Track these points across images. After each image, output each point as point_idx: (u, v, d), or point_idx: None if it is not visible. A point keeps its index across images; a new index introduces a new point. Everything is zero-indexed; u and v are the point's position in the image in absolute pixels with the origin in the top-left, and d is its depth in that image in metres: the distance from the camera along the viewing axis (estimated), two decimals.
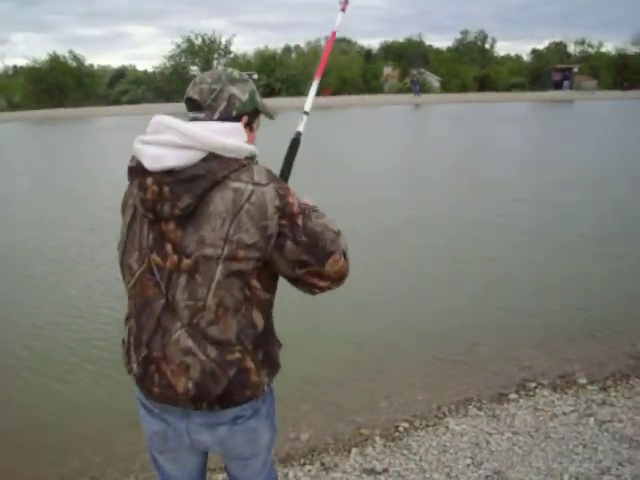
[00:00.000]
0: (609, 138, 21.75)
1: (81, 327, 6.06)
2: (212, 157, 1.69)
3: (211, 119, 1.78)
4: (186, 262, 1.70)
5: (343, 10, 2.50)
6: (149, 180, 1.70)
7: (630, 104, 42.62)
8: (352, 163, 17.28)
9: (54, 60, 65.11)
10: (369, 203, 11.57)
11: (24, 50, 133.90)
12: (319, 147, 18.76)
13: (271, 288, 1.84)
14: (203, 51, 64.96)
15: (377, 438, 3.95)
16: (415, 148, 21.44)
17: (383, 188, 13.25)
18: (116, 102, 63.69)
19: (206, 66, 64.22)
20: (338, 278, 1.84)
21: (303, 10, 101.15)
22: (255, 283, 1.75)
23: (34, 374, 5.17)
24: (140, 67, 78.39)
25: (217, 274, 1.69)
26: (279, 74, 64.86)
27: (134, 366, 1.86)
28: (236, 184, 1.69)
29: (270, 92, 62.62)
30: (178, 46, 65.14)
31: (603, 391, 4.43)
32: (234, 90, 1.81)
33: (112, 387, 4.76)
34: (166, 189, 1.67)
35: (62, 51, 69.10)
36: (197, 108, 1.80)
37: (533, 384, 4.61)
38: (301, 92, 61.30)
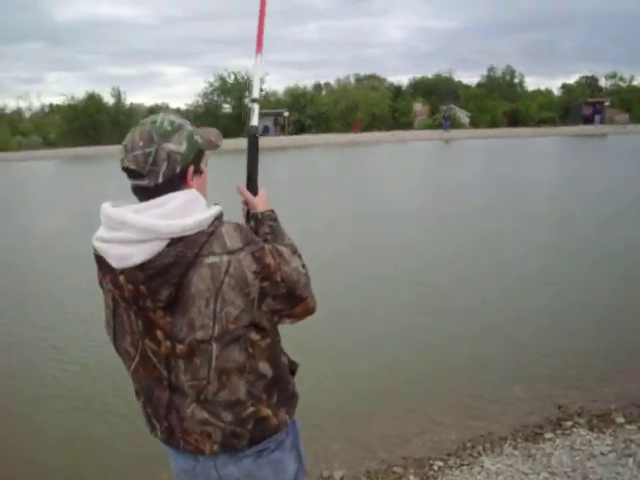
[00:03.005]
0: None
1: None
2: (177, 240, 1.62)
3: (156, 183, 1.66)
4: (180, 347, 1.69)
5: None
6: (121, 278, 1.65)
7: None
8: (376, 198, 17.32)
9: (91, 98, 66.61)
10: (385, 244, 11.58)
11: (58, 89, 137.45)
12: (348, 183, 18.84)
13: (271, 330, 1.83)
14: (235, 89, 65.95)
15: (411, 477, 3.92)
16: (443, 183, 21.41)
17: (404, 226, 13.26)
18: None
19: (238, 104, 65.18)
20: (305, 316, 1.87)
21: (332, 48, 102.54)
22: (254, 336, 1.76)
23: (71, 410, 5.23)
24: (172, 105, 79.67)
25: (214, 352, 1.70)
26: (309, 111, 65.61)
27: (158, 433, 1.89)
28: (210, 259, 1.64)
29: (300, 129, 63.32)
30: (211, 84, 66.32)
31: None
32: (170, 146, 1.67)
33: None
34: (142, 287, 1.64)
35: (96, 89, 70.56)
36: (137, 176, 1.68)
37: (569, 423, 4.54)
38: (331, 128, 61.85)
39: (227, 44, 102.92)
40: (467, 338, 6.49)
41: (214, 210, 1.71)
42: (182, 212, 1.64)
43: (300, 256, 1.88)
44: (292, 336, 2.00)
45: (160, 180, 1.67)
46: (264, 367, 1.81)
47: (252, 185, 2.10)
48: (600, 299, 7.57)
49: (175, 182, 1.70)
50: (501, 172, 23.48)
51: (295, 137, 55.10)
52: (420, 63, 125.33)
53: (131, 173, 1.69)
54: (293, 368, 1.98)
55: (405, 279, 8.85)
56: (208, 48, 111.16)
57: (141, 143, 1.67)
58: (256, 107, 2.18)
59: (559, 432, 4.41)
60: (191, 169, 1.74)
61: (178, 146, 1.69)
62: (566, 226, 12.47)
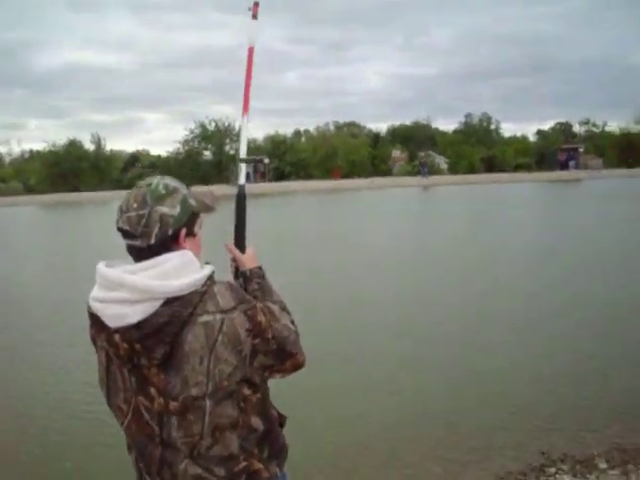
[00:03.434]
0: (608, 219, 21.83)
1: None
2: (172, 299, 1.66)
3: (148, 245, 1.71)
4: (174, 404, 1.71)
5: (254, 17, 2.33)
6: (117, 337, 1.69)
7: (636, 182, 42.99)
8: (353, 246, 17.43)
9: (72, 144, 66.89)
10: (365, 295, 11.63)
11: (39, 135, 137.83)
12: (327, 229, 18.93)
13: (262, 385, 1.86)
14: (216, 136, 66.42)
15: None
16: (418, 230, 21.62)
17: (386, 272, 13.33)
18: (130, 186, 64.64)
19: (218, 151, 65.63)
20: (295, 371, 1.90)
21: (312, 95, 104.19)
22: (246, 391, 1.79)
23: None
24: (153, 152, 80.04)
25: (208, 408, 1.71)
26: (289, 158, 66.28)
27: None
28: (204, 318, 1.68)
29: (280, 175, 63.82)
30: (192, 131, 66.77)
31: (624, 476, 4.36)
32: (163, 209, 1.73)
33: None
34: (137, 345, 1.67)
35: (77, 136, 70.80)
36: (131, 237, 1.73)
37: (552, 469, 4.54)
38: (311, 175, 62.39)
39: (207, 91, 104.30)
40: (447, 386, 6.49)
41: (207, 270, 1.75)
42: (177, 273, 1.68)
43: (289, 312, 1.93)
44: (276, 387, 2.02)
45: (152, 241, 1.72)
46: (256, 421, 1.83)
47: (240, 243, 2.15)
48: (581, 348, 7.63)
49: (167, 244, 1.74)
50: (479, 219, 23.76)
51: (275, 184, 55.51)
52: (398, 110, 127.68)
53: (125, 233, 1.75)
54: (282, 421, 2.00)
55: (382, 329, 8.86)
56: (188, 95, 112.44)
57: (135, 205, 1.73)
58: (243, 167, 2.26)
59: (543, 479, 4.40)
60: (183, 232, 1.78)
61: (171, 209, 1.74)
62: (545, 273, 12.63)
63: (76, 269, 14.73)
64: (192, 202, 1.82)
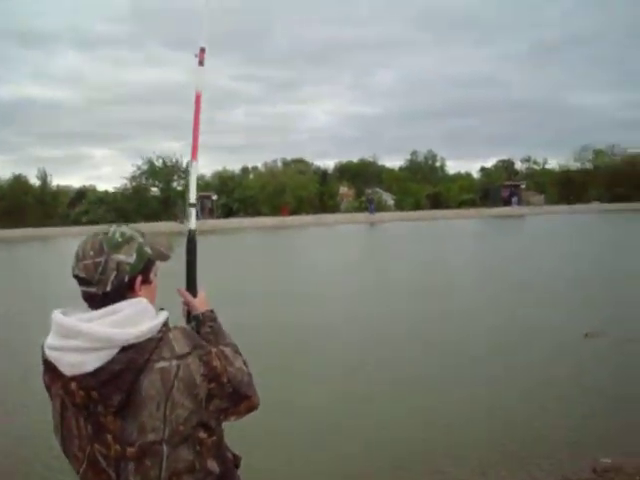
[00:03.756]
0: (548, 253, 22.43)
1: None
2: (128, 347, 1.67)
3: (104, 292, 1.72)
4: (130, 450, 1.69)
5: (201, 63, 2.38)
6: (73, 385, 1.68)
7: (576, 218, 44.40)
8: (296, 284, 17.43)
9: (17, 180, 65.58)
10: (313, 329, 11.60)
11: None
12: (273, 267, 18.89)
13: (217, 428, 1.86)
14: (164, 173, 66.01)
15: None
16: (364, 266, 21.78)
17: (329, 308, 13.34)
18: (76, 222, 63.72)
19: (166, 187, 65.20)
20: (249, 412, 1.92)
21: (260, 132, 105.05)
22: (202, 434, 1.78)
23: None
24: (100, 188, 79.05)
25: (165, 453, 1.70)
26: (237, 195, 66.17)
27: None
28: (160, 364, 1.69)
29: (228, 212, 63.61)
30: (139, 168, 66.14)
31: None
32: (120, 257, 1.75)
33: None
34: (94, 393, 1.67)
35: (24, 171, 69.40)
36: (87, 284, 1.74)
37: None
38: (259, 212, 62.41)
39: (155, 128, 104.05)
40: (392, 425, 6.48)
41: (162, 317, 1.77)
42: (133, 321, 1.70)
43: (241, 354, 1.96)
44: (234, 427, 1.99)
45: (108, 289, 1.73)
46: (212, 464, 1.82)
47: (192, 286, 2.18)
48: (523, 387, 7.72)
49: (123, 291, 1.76)
50: (423, 255, 24.06)
51: (223, 220, 55.26)
52: (346, 148, 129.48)
53: (81, 281, 1.76)
54: (237, 462, 1.99)
55: (335, 364, 8.82)
56: (136, 131, 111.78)
57: (92, 253, 1.74)
58: (193, 211, 2.28)
59: None
60: (139, 279, 1.80)
61: (127, 257, 1.76)
62: (493, 308, 12.83)
63: (21, 311, 14.33)
64: (148, 250, 1.84)
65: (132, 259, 1.77)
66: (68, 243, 43.07)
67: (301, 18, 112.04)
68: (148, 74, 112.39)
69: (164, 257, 1.92)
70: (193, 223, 2.26)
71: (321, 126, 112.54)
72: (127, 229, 1.84)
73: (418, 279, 17.29)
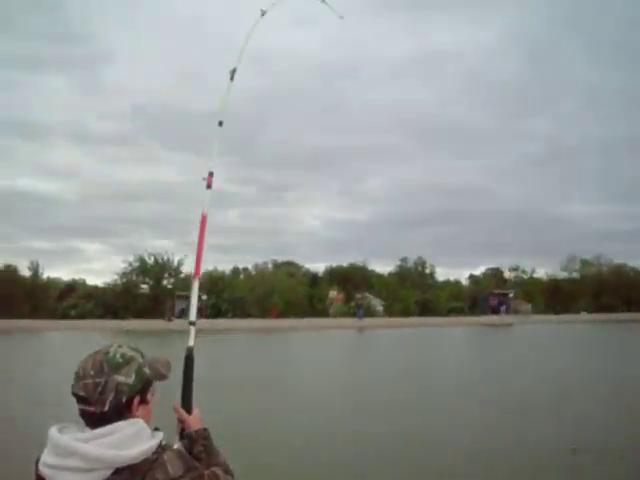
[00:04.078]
0: (534, 365, 22.37)
1: None
2: (123, 468, 1.70)
3: (101, 411, 1.76)
4: None
5: (209, 186, 2.52)
6: None
7: (563, 327, 44.51)
8: (281, 387, 17.27)
9: (7, 270, 65.14)
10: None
11: None
12: (259, 370, 18.74)
13: None
14: (154, 271, 66.22)
15: None
16: (347, 374, 21.57)
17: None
18: (64, 316, 63.16)
19: (156, 285, 65.26)
20: None
21: (251, 234, 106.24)
22: None
23: None
24: (90, 282, 78.70)
25: None
26: (227, 295, 66.03)
27: None
28: None
29: (217, 313, 63.30)
30: (130, 264, 66.39)
31: None
32: (119, 378, 1.79)
33: None
34: None
35: (14, 262, 69.21)
36: (85, 402, 1.78)
37: None
38: (248, 314, 62.14)
39: (147, 224, 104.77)
40: None
41: (157, 438, 1.81)
42: (129, 442, 1.73)
43: (232, 474, 1.99)
44: None
45: (106, 408, 1.77)
46: None
47: (187, 403, 2.23)
48: None
49: (120, 411, 1.80)
50: (410, 364, 23.89)
51: (212, 321, 54.93)
52: (335, 252, 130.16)
53: (79, 399, 1.80)
54: None
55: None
56: (128, 227, 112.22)
57: (92, 372, 1.79)
58: (192, 330, 2.36)
59: None
60: (137, 399, 1.85)
61: (127, 378, 1.81)
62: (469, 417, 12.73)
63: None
64: (147, 370, 1.89)
65: (131, 380, 1.81)
66: (56, 337, 42.79)
67: (292, 125, 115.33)
68: (143, 172, 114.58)
69: (162, 377, 1.96)
70: (192, 340, 2.33)
71: (312, 229, 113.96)
72: (127, 349, 1.88)
73: (403, 388, 17.15)
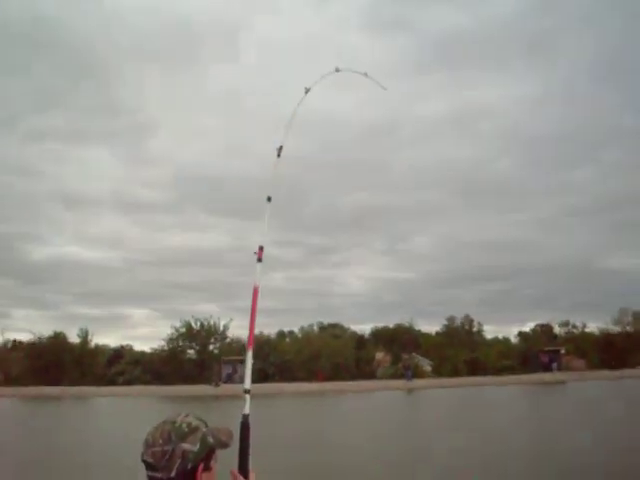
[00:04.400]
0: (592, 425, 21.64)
1: None
2: None
3: (168, 477, 1.92)
4: None
5: (259, 260, 2.66)
6: None
7: (620, 384, 43.04)
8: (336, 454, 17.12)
9: (56, 337, 66.36)
10: None
11: (24, 326, 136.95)
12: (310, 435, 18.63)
13: None
14: (201, 335, 66.69)
15: None
16: (399, 441, 21.22)
17: None
18: (112, 382, 63.82)
19: (203, 350, 65.62)
20: None
21: (297, 296, 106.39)
22: None
23: None
24: (137, 347, 79.52)
25: None
26: (273, 358, 65.82)
27: None
28: None
29: (264, 377, 63.08)
30: (177, 330, 67.04)
31: None
32: (185, 446, 1.95)
33: None
34: None
35: (62, 328, 70.54)
36: (153, 469, 1.95)
37: None
38: (295, 377, 61.76)
39: (192, 289, 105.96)
40: None
41: None
42: None
43: None
44: None
45: (173, 474, 1.93)
46: None
47: (244, 469, 2.33)
48: None
49: (186, 477, 1.96)
50: (462, 425, 23.48)
51: (259, 385, 54.76)
52: (381, 312, 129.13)
53: (148, 465, 1.97)
54: None
55: None
56: (174, 293, 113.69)
57: (160, 441, 1.97)
58: (248, 398, 2.49)
59: None
60: (201, 467, 1.99)
61: (192, 446, 1.97)
62: None
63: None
64: (210, 439, 2.04)
65: (196, 448, 1.97)
66: (104, 403, 43.23)
67: (336, 187, 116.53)
68: (186, 238, 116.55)
69: (225, 445, 2.09)
70: (247, 407, 2.46)
71: (356, 291, 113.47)
72: (192, 419, 2.05)
73: (463, 450, 16.85)
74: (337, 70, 3.64)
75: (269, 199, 2.95)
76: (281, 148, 3.12)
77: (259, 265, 2.72)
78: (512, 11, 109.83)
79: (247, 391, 2.49)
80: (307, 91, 3.43)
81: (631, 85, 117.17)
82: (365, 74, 3.79)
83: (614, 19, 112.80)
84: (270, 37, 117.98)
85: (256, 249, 2.76)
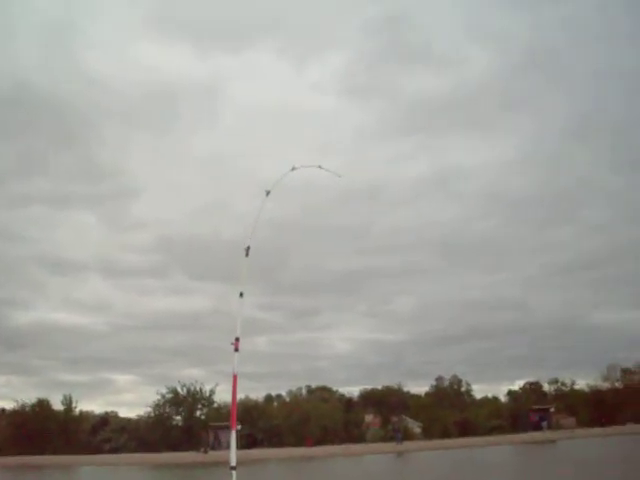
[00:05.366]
0: None
1: None
2: None
3: None
4: None
5: (236, 350, 2.94)
6: None
7: (611, 441, 42.86)
8: None
9: (40, 404, 64.83)
10: None
11: (6, 392, 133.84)
12: None
13: None
14: (187, 401, 65.89)
15: None
16: None
17: None
18: (97, 450, 62.48)
19: (189, 416, 64.69)
20: None
21: (282, 360, 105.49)
22: None
23: None
24: (122, 413, 78.19)
25: None
26: (261, 424, 64.89)
27: None
28: None
29: (253, 443, 62.05)
30: (163, 396, 66.10)
31: None
32: None
33: None
34: None
35: (45, 394, 69.15)
36: None
37: None
38: (284, 443, 60.86)
39: (177, 354, 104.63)
40: None
41: None
42: None
43: None
44: None
45: None
46: None
47: None
48: None
49: None
50: None
51: (247, 451, 53.88)
52: (368, 374, 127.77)
53: None
54: None
55: None
56: (159, 358, 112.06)
57: None
58: (234, 474, 2.82)
59: None
60: None
61: None
62: None
63: None
64: None
65: None
66: (89, 472, 42.28)
67: (317, 251, 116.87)
68: (171, 302, 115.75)
69: None
70: None
71: (342, 353, 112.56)
72: None
73: None
74: (293, 169, 4.06)
75: (241, 295, 3.24)
76: (249, 248, 3.44)
77: (236, 355, 3.00)
78: (488, 72, 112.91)
79: (233, 468, 2.79)
80: (268, 193, 3.81)
81: (611, 143, 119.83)
82: (319, 167, 4.21)
83: (590, 79, 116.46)
84: (247, 103, 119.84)
85: (233, 340, 3.02)
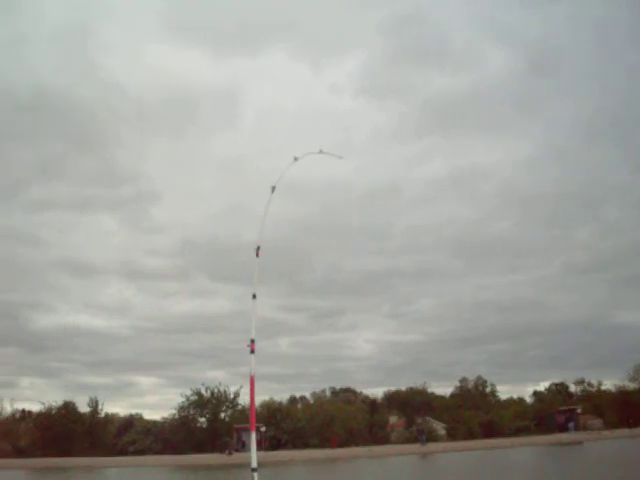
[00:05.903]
0: None
1: None
2: None
3: None
4: None
5: (252, 352, 2.94)
6: None
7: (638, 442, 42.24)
8: None
9: (66, 406, 65.56)
10: None
11: (31, 395, 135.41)
12: None
13: None
14: (211, 403, 66.28)
15: None
16: None
17: None
18: (122, 452, 63.05)
19: (213, 418, 65.05)
20: None
21: (306, 361, 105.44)
22: None
23: None
24: (146, 416, 78.71)
25: None
26: (285, 426, 64.96)
27: None
28: None
29: (277, 444, 62.17)
30: (187, 398, 66.57)
31: None
32: None
33: None
34: None
35: (69, 397, 69.85)
36: None
37: None
38: (308, 444, 60.89)
39: (200, 356, 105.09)
40: None
41: None
42: None
43: None
44: None
45: None
46: None
47: None
48: None
49: None
50: None
51: (272, 453, 54.02)
52: (392, 375, 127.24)
53: None
54: None
55: None
56: (182, 360, 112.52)
57: None
58: (255, 475, 2.81)
59: None
60: None
61: None
62: None
63: None
64: None
65: None
66: (114, 474, 42.63)
67: (336, 250, 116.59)
68: (192, 304, 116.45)
69: None
70: None
71: (365, 355, 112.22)
72: None
73: None
74: (295, 159, 3.99)
75: (254, 296, 3.24)
76: (258, 248, 3.44)
77: (252, 356, 3.02)
78: (504, 72, 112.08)
79: (254, 469, 2.79)
80: (273, 190, 3.76)
81: (627, 142, 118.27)
82: (320, 151, 4.18)
83: (608, 77, 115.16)
84: (265, 105, 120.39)
85: (249, 342, 3.03)
